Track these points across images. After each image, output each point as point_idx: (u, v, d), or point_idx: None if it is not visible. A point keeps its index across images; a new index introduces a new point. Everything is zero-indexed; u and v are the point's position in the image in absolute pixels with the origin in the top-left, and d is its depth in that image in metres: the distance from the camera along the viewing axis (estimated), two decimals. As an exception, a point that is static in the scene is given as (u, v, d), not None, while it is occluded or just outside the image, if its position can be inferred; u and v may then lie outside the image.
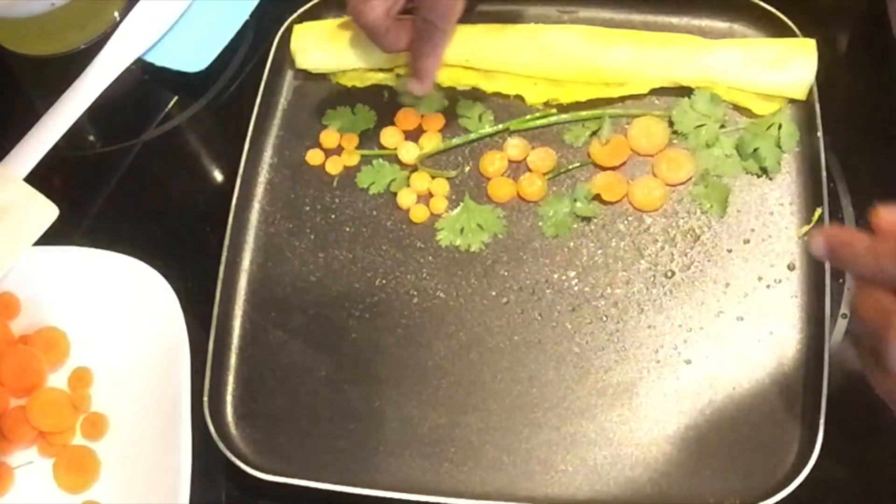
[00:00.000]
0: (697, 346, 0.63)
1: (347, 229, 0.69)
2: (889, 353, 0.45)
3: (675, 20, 0.73)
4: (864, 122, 0.70)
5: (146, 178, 0.75)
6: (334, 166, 0.71)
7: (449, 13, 0.64)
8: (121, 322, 0.65)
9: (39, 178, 0.70)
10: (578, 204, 0.68)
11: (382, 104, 0.73)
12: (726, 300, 0.64)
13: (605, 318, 0.64)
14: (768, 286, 0.64)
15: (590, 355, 0.63)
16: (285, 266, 0.68)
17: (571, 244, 0.67)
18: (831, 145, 0.67)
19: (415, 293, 0.66)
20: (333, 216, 0.70)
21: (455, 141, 0.70)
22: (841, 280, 0.65)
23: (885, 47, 0.70)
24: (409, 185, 0.70)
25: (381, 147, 0.71)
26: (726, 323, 0.63)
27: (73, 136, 0.72)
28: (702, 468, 0.60)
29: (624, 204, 0.68)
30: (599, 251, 0.66)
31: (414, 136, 0.71)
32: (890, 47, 0.70)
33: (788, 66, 0.68)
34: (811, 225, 0.64)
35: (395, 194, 0.70)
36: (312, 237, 0.69)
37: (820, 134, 0.67)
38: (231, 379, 0.65)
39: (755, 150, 0.67)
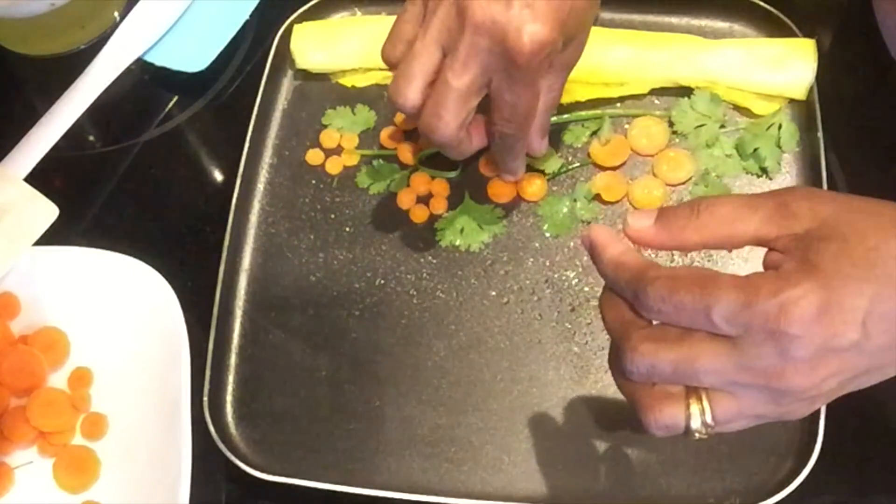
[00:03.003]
0: (697, 346, 0.62)
1: (347, 229, 0.69)
2: (624, 362, 0.47)
3: (675, 20, 0.73)
4: (864, 122, 0.70)
5: (146, 178, 0.75)
6: (334, 166, 0.71)
7: (526, 124, 0.60)
8: (121, 322, 0.65)
9: (39, 178, 0.70)
10: (578, 204, 0.68)
11: (382, 104, 0.73)
12: (726, 300, 0.64)
13: (605, 318, 0.64)
14: (768, 286, 0.64)
15: (590, 355, 0.63)
16: (285, 266, 0.68)
17: (571, 244, 0.67)
18: (831, 145, 0.67)
19: (415, 293, 0.66)
20: (333, 216, 0.70)
21: (455, 141, 0.70)
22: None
23: (884, 47, 0.70)
24: (409, 185, 0.70)
25: (381, 147, 0.71)
26: (726, 323, 0.63)
27: (73, 136, 0.72)
28: (702, 468, 0.60)
29: (624, 204, 0.68)
30: (599, 251, 0.66)
31: (414, 136, 0.71)
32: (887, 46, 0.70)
33: (788, 65, 0.68)
34: None
35: (395, 194, 0.70)
36: (312, 237, 0.69)
37: (820, 134, 0.67)
38: (231, 379, 0.65)
39: (755, 150, 0.67)
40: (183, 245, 0.72)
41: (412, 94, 0.58)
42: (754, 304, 0.44)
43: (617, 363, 0.48)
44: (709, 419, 0.46)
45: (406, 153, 0.71)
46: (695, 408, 0.46)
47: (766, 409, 0.47)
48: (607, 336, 0.63)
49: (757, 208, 0.47)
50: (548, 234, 0.67)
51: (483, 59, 0.55)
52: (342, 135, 0.72)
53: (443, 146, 0.60)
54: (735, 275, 0.45)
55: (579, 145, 0.70)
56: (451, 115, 0.57)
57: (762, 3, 0.71)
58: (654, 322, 0.47)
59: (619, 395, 0.61)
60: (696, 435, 0.47)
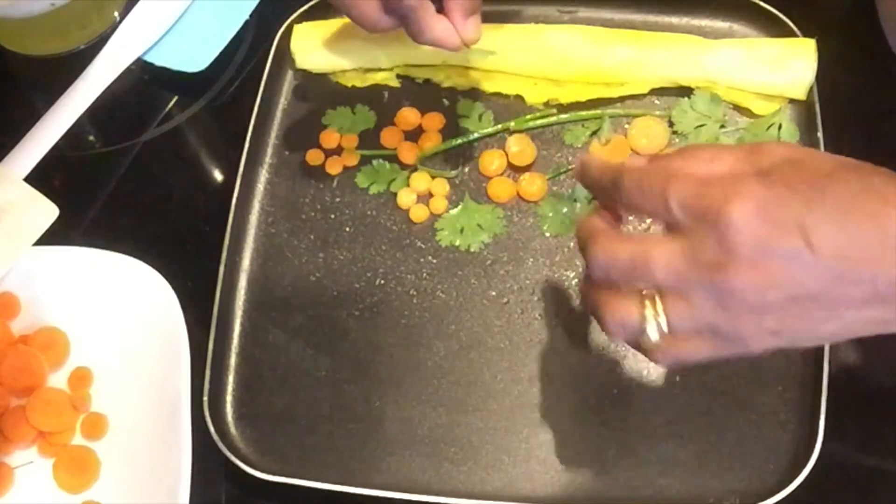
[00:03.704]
0: (697, 346, 0.63)
1: (347, 229, 0.69)
2: (587, 258, 0.52)
3: (675, 20, 0.73)
4: (864, 122, 0.70)
5: (146, 178, 0.75)
6: (334, 166, 0.71)
7: None
8: (121, 322, 0.65)
9: (39, 178, 0.70)
10: (578, 204, 0.68)
11: (382, 104, 0.73)
12: (726, 300, 0.64)
13: (605, 318, 0.64)
14: (768, 286, 0.64)
15: (590, 355, 0.63)
16: (285, 266, 0.68)
17: (571, 244, 0.67)
18: (831, 145, 0.67)
19: (415, 293, 0.66)
20: (333, 216, 0.70)
21: (455, 141, 0.70)
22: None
23: (884, 47, 0.70)
24: (409, 185, 0.70)
25: (381, 147, 0.71)
26: (726, 323, 0.63)
27: (73, 136, 0.72)
28: (702, 468, 0.60)
29: (624, 204, 0.68)
30: (599, 251, 0.66)
31: (414, 136, 0.71)
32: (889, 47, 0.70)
33: (788, 65, 0.68)
34: None
35: (395, 194, 0.70)
36: (312, 237, 0.69)
37: (820, 134, 0.67)
38: (231, 379, 0.65)
39: (755, 150, 0.67)
40: (183, 245, 0.72)
41: None
42: (706, 192, 0.48)
43: (585, 272, 0.54)
44: (662, 321, 0.50)
45: (406, 153, 0.71)
46: (649, 310, 0.50)
47: (715, 316, 0.49)
48: (608, 336, 0.63)
49: (734, 150, 0.50)
50: (548, 234, 0.67)
51: None
52: (342, 135, 0.72)
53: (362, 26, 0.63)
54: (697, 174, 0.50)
55: (579, 145, 0.70)
56: None
57: (762, 3, 0.71)
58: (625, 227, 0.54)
59: (620, 396, 0.62)
60: (652, 338, 0.50)
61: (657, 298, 0.50)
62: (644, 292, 0.50)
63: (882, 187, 0.49)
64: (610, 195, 0.52)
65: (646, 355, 0.52)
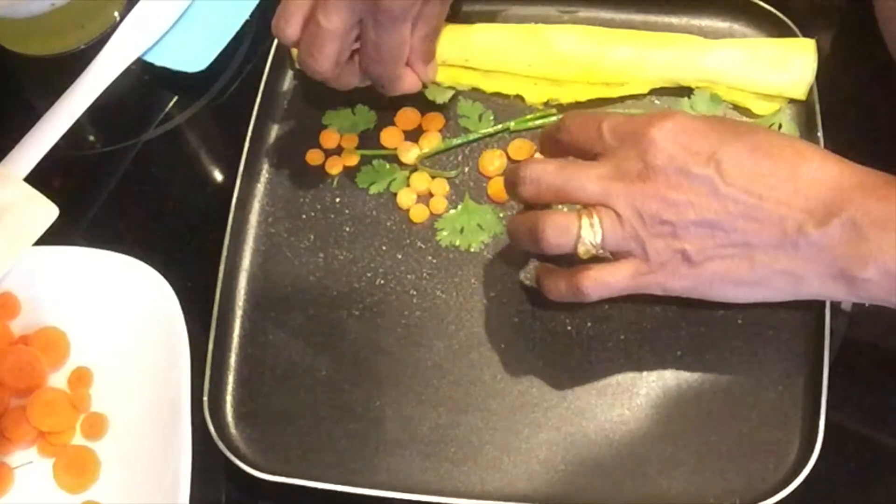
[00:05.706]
0: (698, 347, 0.63)
1: (347, 229, 0.69)
2: (519, 173, 0.57)
3: (675, 20, 0.73)
4: (864, 122, 0.70)
5: (146, 178, 0.75)
6: (334, 166, 0.71)
7: (392, 64, 0.64)
8: (121, 322, 0.65)
9: (39, 178, 0.70)
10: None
11: (382, 104, 0.73)
12: (726, 300, 0.64)
13: (605, 319, 0.64)
14: (768, 286, 0.64)
15: (590, 355, 0.63)
16: (285, 266, 0.68)
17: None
18: (831, 145, 0.67)
19: (415, 293, 0.66)
20: (333, 216, 0.70)
21: (455, 141, 0.70)
22: (841, 280, 0.64)
23: (884, 46, 0.70)
24: (409, 185, 0.70)
25: (381, 147, 0.71)
26: (726, 323, 0.63)
27: (73, 136, 0.72)
28: (702, 468, 0.60)
29: (624, 204, 0.68)
30: (599, 251, 0.66)
31: (414, 136, 0.71)
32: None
33: (788, 65, 0.68)
34: None
35: (395, 194, 0.70)
36: (312, 237, 0.69)
37: (820, 134, 0.67)
38: (231, 379, 0.65)
39: (755, 150, 0.67)
40: (183, 245, 0.72)
41: (290, 30, 0.62)
42: (633, 120, 0.55)
43: (514, 187, 0.58)
44: (598, 231, 0.55)
45: (406, 153, 0.71)
46: (586, 219, 0.55)
47: (637, 228, 0.54)
48: (608, 336, 0.64)
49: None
50: (548, 234, 0.67)
51: (351, 3, 0.59)
52: (342, 135, 0.72)
53: (321, 81, 0.65)
54: None
55: (579, 145, 0.70)
56: (322, 54, 0.62)
57: (762, 3, 0.71)
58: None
59: (620, 396, 0.62)
60: (587, 243, 0.55)
61: (593, 212, 0.55)
62: (578, 209, 0.55)
63: (804, 148, 0.55)
64: (556, 140, 0.59)
65: (575, 286, 0.57)
